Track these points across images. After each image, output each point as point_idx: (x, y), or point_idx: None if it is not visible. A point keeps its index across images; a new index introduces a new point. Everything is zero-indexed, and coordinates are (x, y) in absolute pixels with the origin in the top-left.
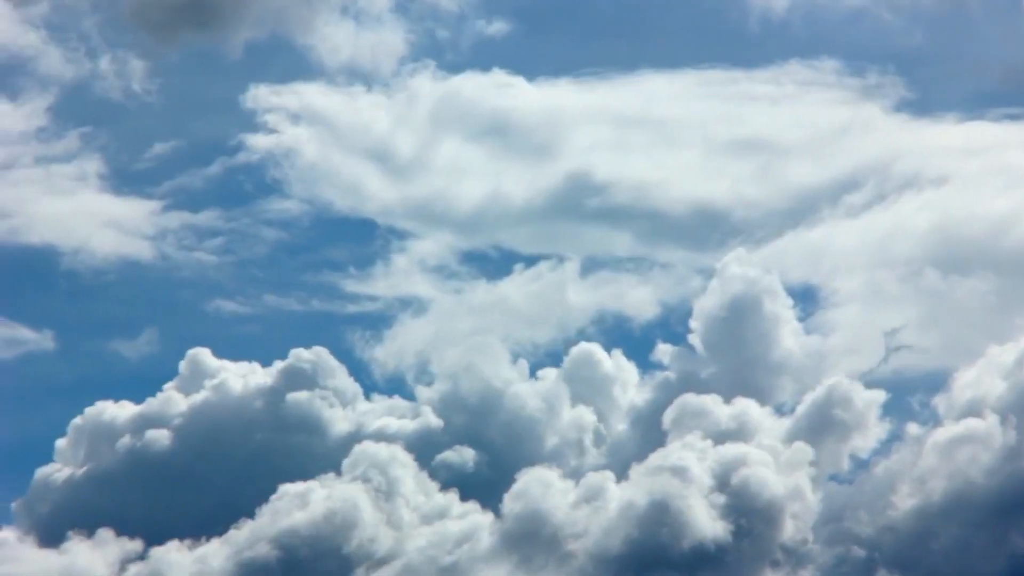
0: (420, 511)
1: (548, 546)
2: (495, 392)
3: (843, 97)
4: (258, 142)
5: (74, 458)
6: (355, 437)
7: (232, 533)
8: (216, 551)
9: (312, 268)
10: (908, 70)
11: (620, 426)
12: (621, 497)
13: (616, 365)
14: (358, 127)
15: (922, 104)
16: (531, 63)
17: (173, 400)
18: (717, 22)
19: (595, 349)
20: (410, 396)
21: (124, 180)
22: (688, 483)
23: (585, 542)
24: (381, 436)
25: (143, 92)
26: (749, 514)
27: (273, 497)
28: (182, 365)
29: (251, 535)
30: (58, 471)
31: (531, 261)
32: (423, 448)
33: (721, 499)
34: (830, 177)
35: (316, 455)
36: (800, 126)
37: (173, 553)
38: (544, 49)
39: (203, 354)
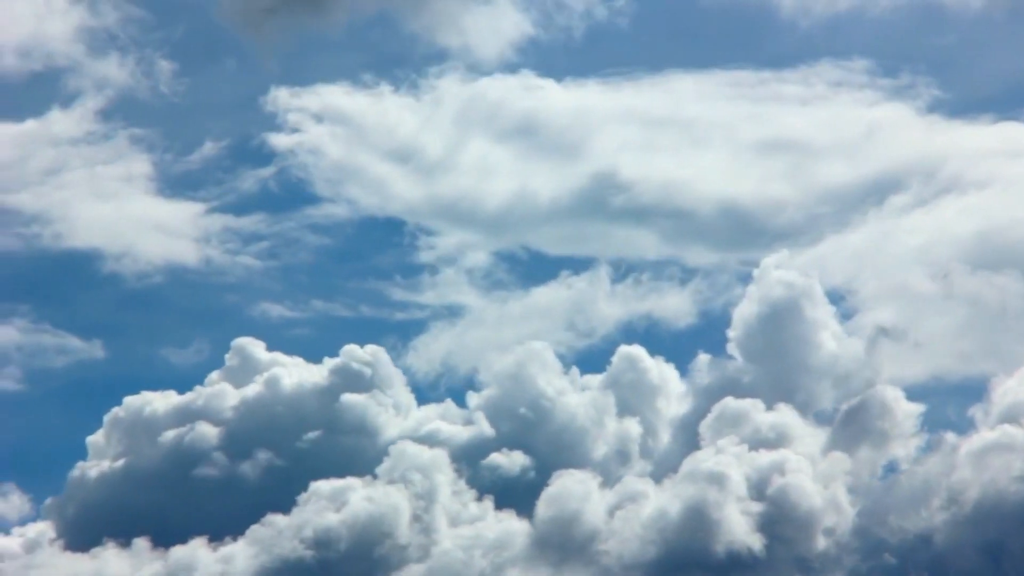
0: (456, 515)
1: (580, 551)
2: (542, 399)
3: (874, 97)
4: (296, 143)
5: (109, 453)
6: (409, 439)
7: (261, 530)
8: (241, 550)
9: (359, 274)
10: (941, 70)
11: (664, 434)
12: (656, 502)
13: (659, 371)
14: (383, 128)
15: (955, 105)
16: (559, 64)
17: (223, 393)
18: (747, 23)
19: (639, 355)
20: (460, 402)
21: (171, 183)
22: (724, 489)
23: (617, 547)
24: (433, 440)
25: (188, 94)
26: (784, 521)
27: (303, 496)
28: (228, 356)
29: (283, 533)
30: (93, 467)
31: (561, 264)
32: (472, 453)
33: (756, 506)
34: (862, 178)
35: (367, 457)
36: (831, 127)
37: (200, 550)
38: (572, 50)
39: (250, 344)
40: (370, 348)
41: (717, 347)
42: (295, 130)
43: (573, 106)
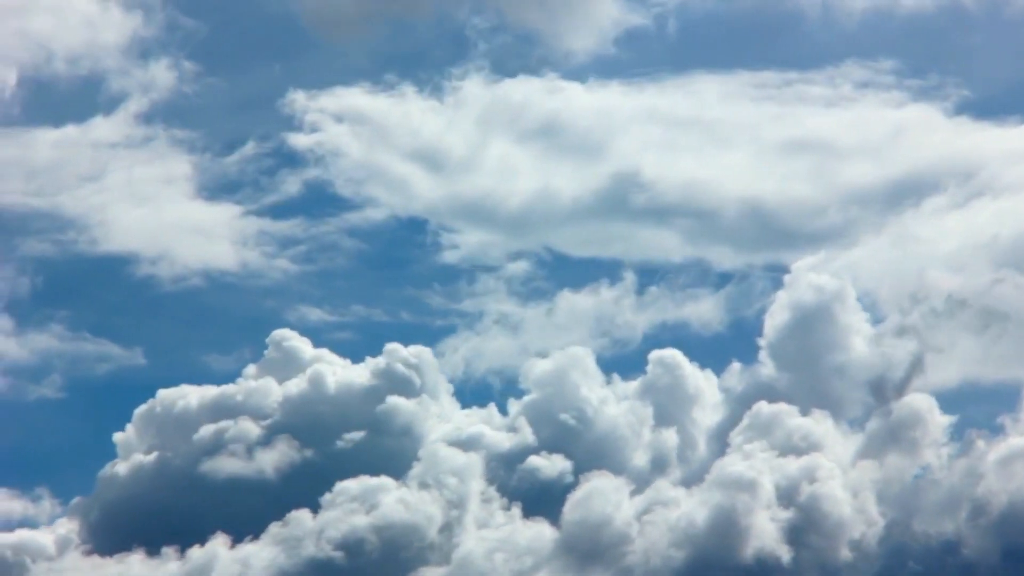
0: (484, 521)
1: (606, 556)
2: (583, 405)
3: (901, 98)
4: (328, 143)
5: (140, 449)
6: (447, 443)
7: (284, 530)
8: (263, 549)
9: (394, 278)
10: (969, 71)
11: (699, 439)
12: (685, 508)
13: (695, 376)
14: (405, 129)
15: (984, 106)
16: (582, 66)
17: (264, 388)
18: (773, 25)
19: (675, 359)
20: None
21: (209, 186)
22: (752, 496)
23: (644, 553)
24: (474, 445)
25: (226, 96)
26: (812, 529)
27: (328, 496)
28: (267, 352)
29: (308, 532)
30: (121, 464)
31: (584, 266)
32: (511, 458)
33: (785, 513)
34: (889, 180)
35: (405, 458)
36: (857, 128)
37: (220, 548)
38: (596, 52)
39: (289, 337)
40: (414, 348)
41: (748, 352)
42: (316, 130)
43: (596, 107)
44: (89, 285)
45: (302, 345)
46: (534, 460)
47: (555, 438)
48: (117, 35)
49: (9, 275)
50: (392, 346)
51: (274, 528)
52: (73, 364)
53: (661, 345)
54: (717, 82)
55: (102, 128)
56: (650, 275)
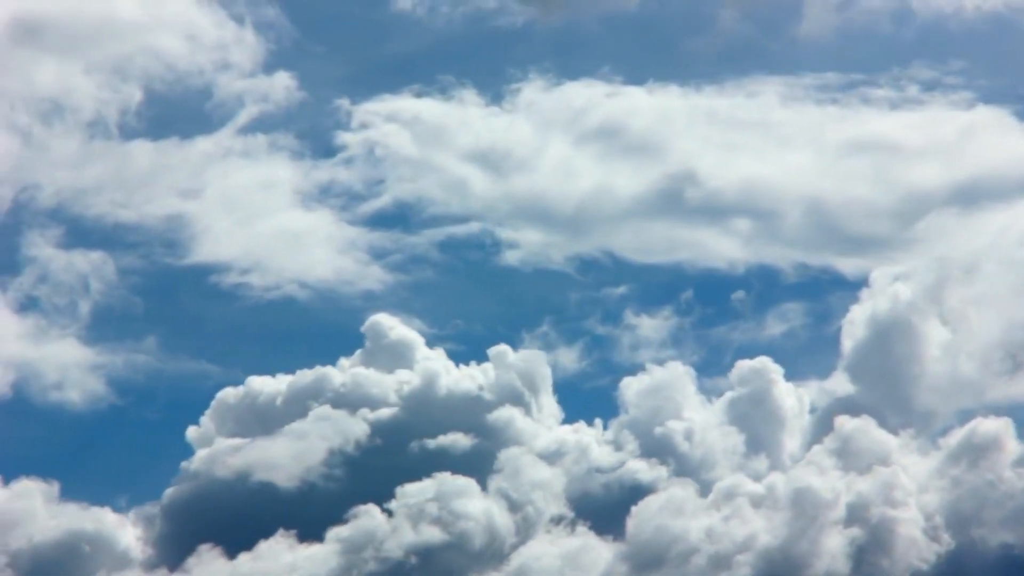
0: (553, 534)
1: (670, 569)
2: (681, 420)
3: (969, 99)
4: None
5: (223, 432)
6: (552, 456)
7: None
8: (326, 549)
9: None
10: None
11: (783, 454)
12: (754, 524)
13: (780, 387)
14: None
15: None
16: (643, 69)
17: (369, 378)
18: (837, 26)
19: (763, 369)
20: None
21: (304, 194)
22: (822, 512)
23: (709, 568)
24: (568, 458)
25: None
26: (879, 549)
27: (399, 493)
28: (367, 342)
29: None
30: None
31: (645, 274)
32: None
33: (854, 531)
34: (955, 183)
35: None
36: (923, 129)
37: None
38: (656, 55)
39: (385, 320)
40: (525, 353)
41: (825, 363)
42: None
43: (656, 110)
44: (184, 297)
45: (396, 329)
46: (634, 464)
47: (652, 454)
48: (234, 52)
49: (113, 286)
50: (501, 348)
51: (341, 527)
52: (167, 381)
53: (738, 357)
54: (780, 84)
55: (201, 139)
56: (716, 285)
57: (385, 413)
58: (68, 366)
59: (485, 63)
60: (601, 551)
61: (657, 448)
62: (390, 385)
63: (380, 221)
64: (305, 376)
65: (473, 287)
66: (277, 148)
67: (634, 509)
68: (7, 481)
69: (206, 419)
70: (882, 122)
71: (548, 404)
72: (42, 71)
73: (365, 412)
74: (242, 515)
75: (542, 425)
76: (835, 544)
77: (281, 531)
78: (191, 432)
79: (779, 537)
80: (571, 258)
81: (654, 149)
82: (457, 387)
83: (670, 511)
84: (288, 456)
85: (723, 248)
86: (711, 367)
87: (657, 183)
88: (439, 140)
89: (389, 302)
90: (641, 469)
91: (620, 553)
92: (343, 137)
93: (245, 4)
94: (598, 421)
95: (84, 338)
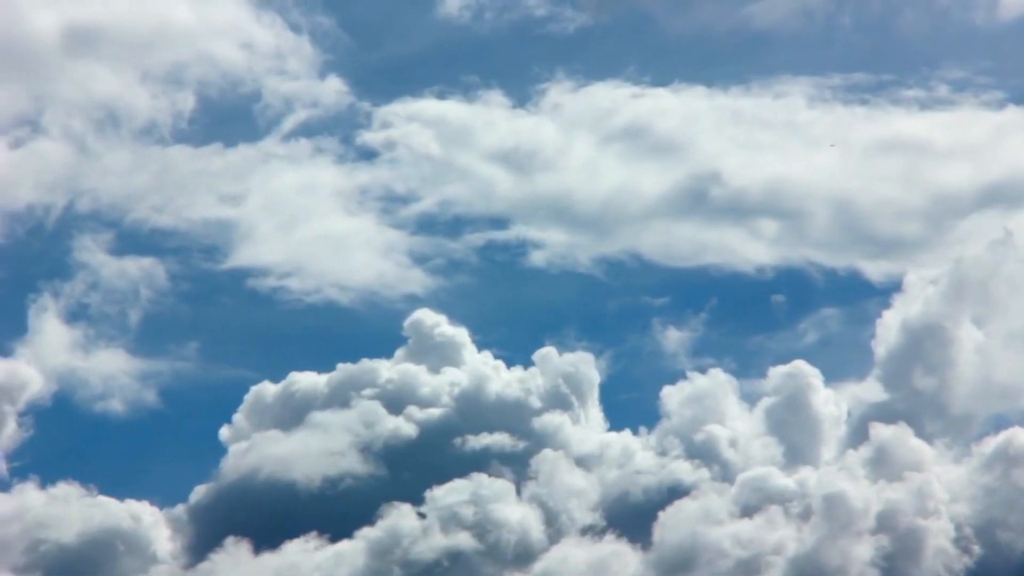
0: (581, 535)
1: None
2: (725, 428)
3: (1000, 99)
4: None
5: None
6: (593, 462)
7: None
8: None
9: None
10: None
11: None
12: (784, 531)
13: (821, 393)
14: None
15: None
16: (669, 70)
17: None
18: (865, 27)
19: (800, 374)
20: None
21: (345, 199)
22: (851, 519)
23: (734, 571)
24: (622, 461)
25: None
26: (907, 557)
27: (430, 494)
28: (410, 339)
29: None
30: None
31: (672, 276)
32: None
33: (883, 539)
34: (986, 184)
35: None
36: (953, 130)
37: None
38: (683, 56)
39: (427, 317)
40: (572, 356)
41: (859, 368)
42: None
43: (681, 110)
44: (226, 304)
45: (440, 326)
46: (679, 465)
47: (697, 457)
48: (289, 59)
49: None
50: (547, 350)
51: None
52: (208, 391)
53: (771, 362)
54: (808, 85)
55: (244, 146)
56: (744, 289)
57: (434, 413)
58: (115, 375)
59: (512, 65)
60: (629, 557)
61: (700, 452)
62: (440, 385)
63: (422, 225)
64: (349, 370)
65: (505, 289)
66: (320, 151)
67: (661, 515)
68: (44, 484)
69: (239, 416)
70: (911, 122)
71: (594, 412)
72: (97, 79)
73: (413, 410)
74: (269, 513)
75: (590, 430)
76: (864, 550)
77: (312, 532)
78: (224, 431)
79: (805, 544)
80: (597, 260)
81: (679, 150)
82: (506, 391)
83: (698, 517)
84: (321, 451)
85: (749, 251)
86: (745, 373)
87: (682, 183)
88: (464, 142)
89: (430, 305)
90: (684, 470)
91: (647, 560)
92: (382, 138)
93: (299, 11)
94: (643, 429)
95: (131, 348)
